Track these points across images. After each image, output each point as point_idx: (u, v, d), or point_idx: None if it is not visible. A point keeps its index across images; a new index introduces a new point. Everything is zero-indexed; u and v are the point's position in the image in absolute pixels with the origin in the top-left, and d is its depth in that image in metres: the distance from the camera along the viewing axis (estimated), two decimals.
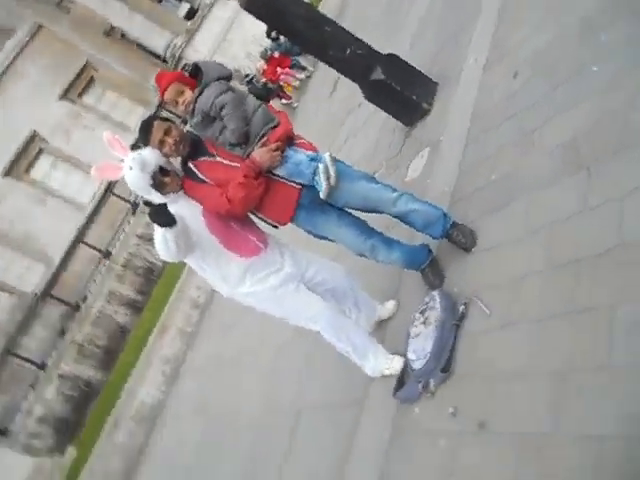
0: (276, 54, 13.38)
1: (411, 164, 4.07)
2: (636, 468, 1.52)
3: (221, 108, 2.36)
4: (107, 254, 13.82)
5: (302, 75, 13.26)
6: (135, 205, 13.88)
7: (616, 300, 1.81)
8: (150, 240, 2.57)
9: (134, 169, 2.42)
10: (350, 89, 5.11)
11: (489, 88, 3.53)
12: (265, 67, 13.25)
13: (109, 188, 14.12)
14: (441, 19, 5.38)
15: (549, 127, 2.68)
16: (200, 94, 2.40)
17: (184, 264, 2.70)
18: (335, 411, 3.28)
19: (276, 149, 2.41)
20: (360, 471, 2.70)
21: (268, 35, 13.76)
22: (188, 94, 2.43)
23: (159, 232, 2.31)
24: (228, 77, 2.49)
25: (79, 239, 13.79)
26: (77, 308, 13.19)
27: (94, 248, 13.83)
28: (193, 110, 2.43)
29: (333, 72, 4.50)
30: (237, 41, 16.64)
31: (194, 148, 2.54)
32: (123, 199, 14.26)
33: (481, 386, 2.21)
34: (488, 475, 1.97)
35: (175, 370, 9.64)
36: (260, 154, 2.40)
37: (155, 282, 13.13)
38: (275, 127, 2.50)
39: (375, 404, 2.87)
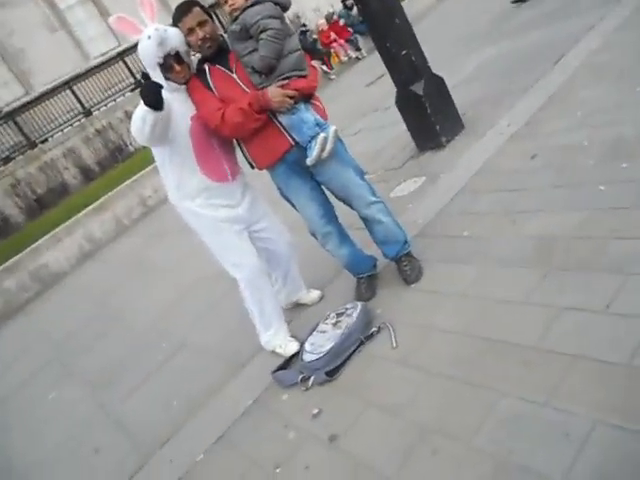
0: (341, 22, 13.19)
1: (403, 184, 4.09)
2: None
3: (262, 30, 2.27)
4: (88, 113, 13.36)
5: (353, 54, 13.08)
6: (139, 83, 13.44)
7: (506, 391, 1.86)
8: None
9: (152, 40, 2.31)
10: (388, 90, 5.06)
11: (506, 155, 3.59)
12: (325, 28, 13.02)
13: (122, 54, 13.60)
14: (499, 74, 5.42)
15: (536, 217, 2.74)
16: (251, 6, 2.31)
17: (153, 161, 2.61)
18: (214, 361, 3.27)
19: (292, 97, 2.36)
20: (206, 423, 2.70)
21: (343, 1, 13.58)
22: (241, 0, 2.33)
23: (141, 109, 2.22)
24: (285, 7, 2.40)
25: (69, 84, 13.21)
26: (33, 146, 12.71)
27: (79, 100, 13.32)
28: (236, 18, 2.33)
29: (382, 67, 4.45)
30: None
31: (217, 53, 2.45)
32: (130, 71, 13.78)
33: (353, 404, 2.25)
34: None
35: (93, 251, 9.42)
36: (274, 92, 2.34)
37: (117, 163, 12.79)
38: (302, 77, 2.44)
39: (252, 372, 2.89)
